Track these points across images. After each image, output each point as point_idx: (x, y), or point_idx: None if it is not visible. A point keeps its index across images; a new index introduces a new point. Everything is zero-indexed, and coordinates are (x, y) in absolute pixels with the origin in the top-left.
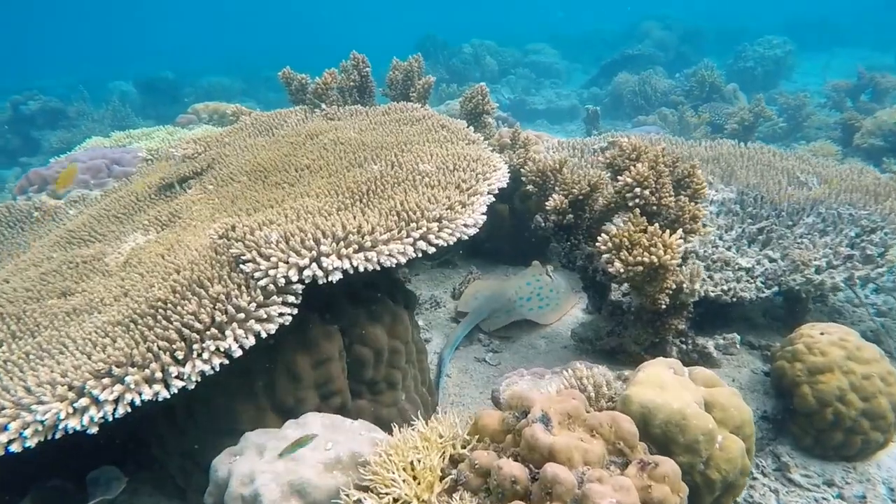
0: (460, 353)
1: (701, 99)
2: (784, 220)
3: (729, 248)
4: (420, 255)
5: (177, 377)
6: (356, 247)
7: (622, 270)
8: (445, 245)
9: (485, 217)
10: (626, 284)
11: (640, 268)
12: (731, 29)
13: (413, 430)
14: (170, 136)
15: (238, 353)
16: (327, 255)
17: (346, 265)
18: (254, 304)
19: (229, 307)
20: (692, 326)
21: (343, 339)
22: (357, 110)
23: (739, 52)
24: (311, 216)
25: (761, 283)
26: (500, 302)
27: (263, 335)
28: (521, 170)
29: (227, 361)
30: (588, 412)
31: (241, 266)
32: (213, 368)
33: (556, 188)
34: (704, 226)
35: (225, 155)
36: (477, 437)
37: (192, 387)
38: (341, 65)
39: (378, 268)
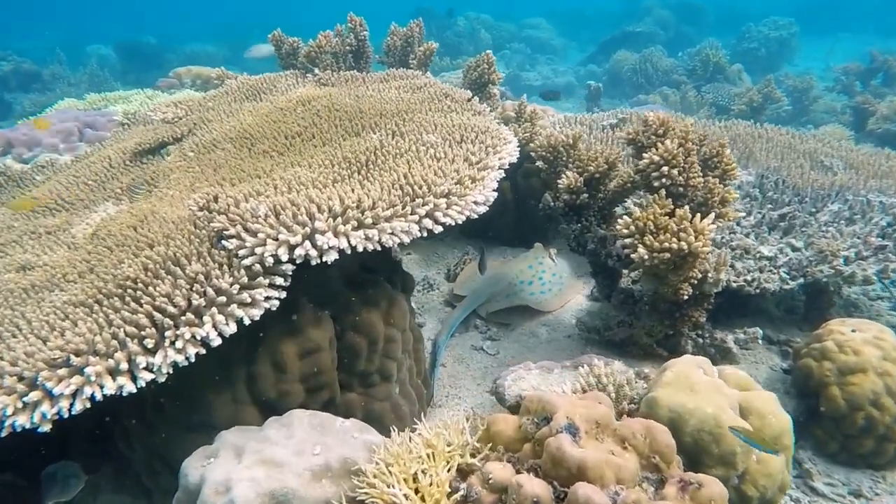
0: (456, 340)
1: (704, 79)
2: (807, 206)
3: (748, 235)
4: (425, 234)
5: (145, 368)
6: (355, 223)
7: (646, 257)
8: (454, 224)
9: (496, 194)
10: (635, 272)
11: (667, 255)
12: (733, 10)
13: (416, 433)
14: (149, 99)
15: (217, 341)
16: (322, 233)
17: (344, 244)
18: (237, 286)
19: (209, 289)
20: (707, 319)
21: (335, 325)
22: (353, 76)
23: (743, 33)
24: (304, 188)
25: (785, 273)
26: (500, 285)
27: (247, 321)
28: (529, 144)
29: (203, 351)
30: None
31: (224, 243)
32: (187, 359)
33: (570, 165)
34: (734, 210)
35: (208, 120)
36: (489, 445)
37: (163, 379)
38: (336, 28)
39: (378, 248)
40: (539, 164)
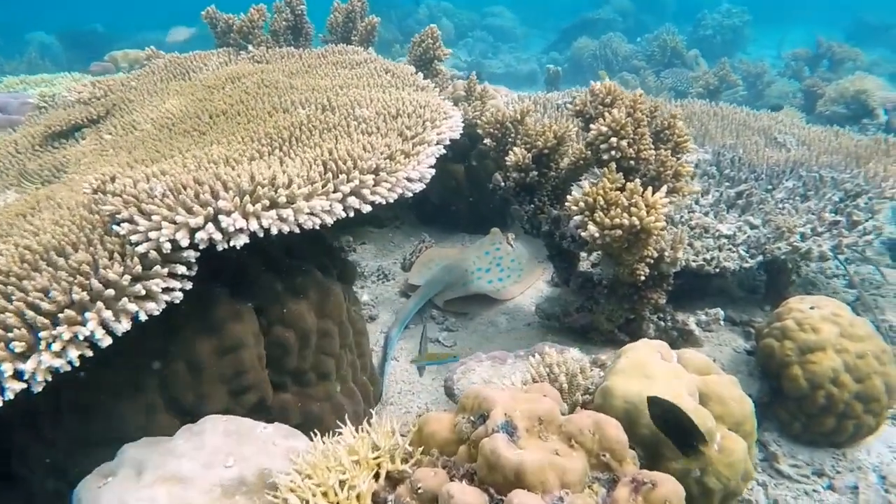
0: (411, 332)
1: (662, 64)
2: (763, 183)
3: (706, 214)
4: (351, 213)
5: (12, 377)
6: (267, 203)
7: (597, 235)
8: (384, 202)
9: (433, 171)
10: (597, 253)
11: (619, 232)
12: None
13: (341, 438)
14: (75, 83)
15: (106, 341)
16: (228, 213)
17: (254, 226)
18: (128, 277)
19: (94, 281)
20: (667, 301)
21: (259, 319)
22: (289, 52)
23: (699, 20)
24: (213, 166)
25: (744, 251)
26: (456, 274)
27: (143, 317)
28: (478, 121)
29: (90, 353)
30: (564, 415)
31: (116, 227)
32: (69, 363)
33: (518, 141)
34: (688, 184)
35: (129, 100)
36: (422, 448)
37: (40, 389)
38: (274, 5)
39: (297, 230)
40: (487, 141)
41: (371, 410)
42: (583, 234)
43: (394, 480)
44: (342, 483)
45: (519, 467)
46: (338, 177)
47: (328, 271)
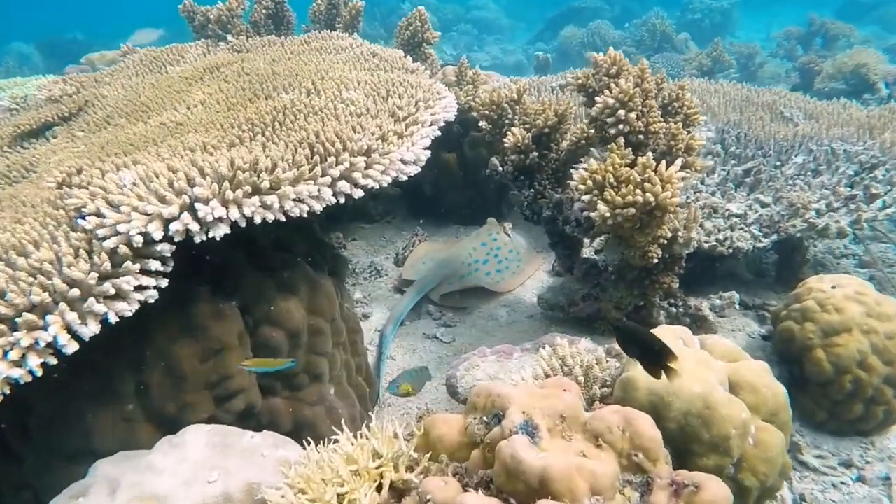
0: (406, 329)
1: (652, 49)
2: (772, 159)
3: (713, 194)
4: (342, 199)
5: None
6: (248, 189)
7: (607, 215)
8: (377, 187)
9: (428, 153)
10: (600, 238)
11: (632, 210)
12: None
13: (337, 446)
14: (46, 81)
15: (72, 347)
16: (205, 201)
17: (235, 214)
18: (95, 276)
19: (56, 281)
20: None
21: (245, 318)
22: (270, 41)
23: (686, 4)
24: (189, 153)
25: (756, 230)
26: (452, 267)
27: (113, 318)
28: (471, 104)
29: (54, 361)
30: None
31: (81, 221)
32: (31, 372)
33: (516, 122)
34: (713, 157)
35: (102, 96)
36: (429, 454)
37: None
38: None
39: (282, 218)
40: (483, 124)
41: (369, 413)
42: (592, 214)
43: (399, 492)
44: (340, 497)
45: (543, 473)
46: (326, 160)
47: (318, 265)
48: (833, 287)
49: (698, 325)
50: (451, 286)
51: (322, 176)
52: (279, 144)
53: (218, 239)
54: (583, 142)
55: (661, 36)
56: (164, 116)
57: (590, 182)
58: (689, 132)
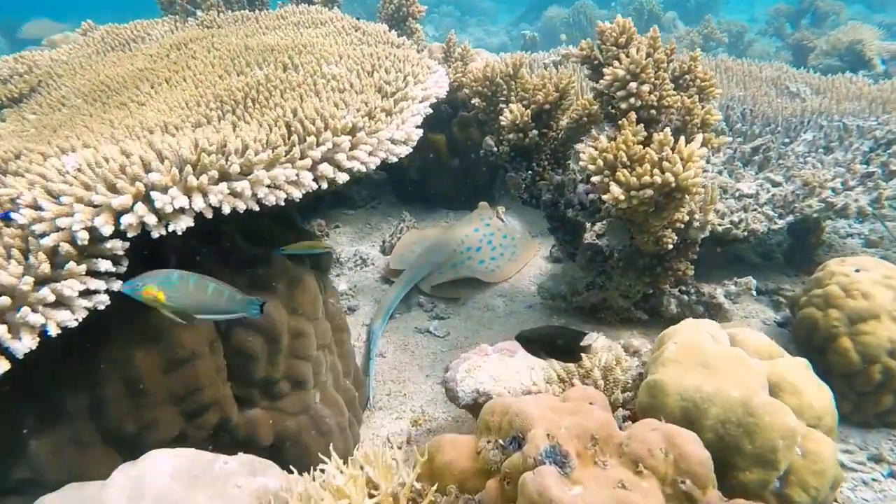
0: (396, 322)
1: (639, 29)
2: (780, 136)
3: (720, 173)
4: (324, 185)
5: None
6: (215, 174)
7: (622, 198)
8: (363, 170)
9: (420, 132)
10: (601, 224)
11: (649, 192)
12: None
13: (327, 474)
14: None
15: (2, 366)
16: (164, 189)
17: (199, 204)
18: (30, 280)
19: None
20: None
21: (217, 322)
22: (244, 15)
23: None
24: (148, 134)
25: (771, 211)
26: (443, 255)
27: (54, 331)
28: (462, 80)
29: None
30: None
31: (14, 215)
32: None
33: (513, 98)
34: (718, 135)
35: (57, 76)
36: (435, 485)
37: None
38: None
39: (255, 207)
40: (475, 101)
41: (359, 419)
42: (604, 197)
43: None
44: None
45: None
46: (305, 140)
47: (299, 258)
48: (857, 270)
49: (713, 313)
50: (442, 276)
51: (301, 158)
52: (251, 124)
53: (180, 233)
54: (585, 119)
55: (648, 15)
56: (124, 96)
57: (600, 162)
58: (703, 107)
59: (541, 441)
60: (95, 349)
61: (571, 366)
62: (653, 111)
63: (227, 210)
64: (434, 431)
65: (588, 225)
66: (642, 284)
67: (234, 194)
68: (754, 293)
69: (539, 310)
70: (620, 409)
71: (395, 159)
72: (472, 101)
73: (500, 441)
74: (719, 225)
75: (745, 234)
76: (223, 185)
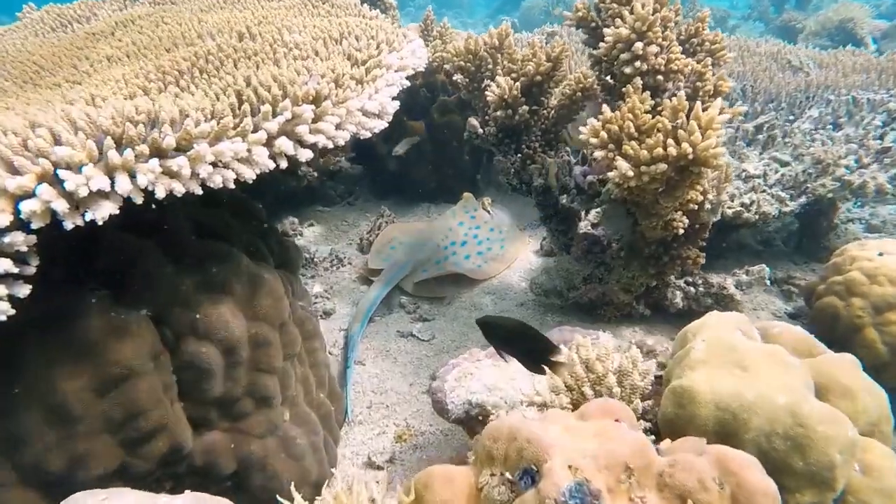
0: (376, 326)
1: None
2: (784, 113)
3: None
4: (283, 163)
5: None
6: (144, 149)
7: (630, 174)
8: (329, 146)
9: (396, 105)
10: (596, 210)
11: (662, 167)
12: None
13: None
14: None
15: None
16: (76, 167)
17: (124, 186)
18: None
19: None
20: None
21: (162, 331)
22: None
23: None
24: (68, 106)
25: (782, 192)
26: (426, 251)
27: None
28: (443, 55)
29: None
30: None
31: None
32: None
33: (499, 71)
34: (732, 105)
35: None
36: None
37: None
38: None
39: (197, 189)
40: (457, 78)
41: (336, 437)
42: (610, 175)
43: None
44: None
45: None
46: (259, 110)
47: (261, 255)
48: (880, 254)
49: (723, 305)
50: (425, 273)
51: (254, 131)
52: (196, 94)
53: (100, 222)
54: (579, 94)
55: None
56: (58, 76)
57: (604, 134)
58: (714, 72)
59: (562, 476)
60: (6, 371)
61: (579, 370)
62: (659, 77)
63: (161, 193)
64: (421, 448)
65: (583, 213)
66: (647, 276)
67: (170, 174)
68: (768, 282)
69: (532, 307)
70: (641, 420)
71: (367, 134)
72: (454, 78)
73: (508, 475)
74: (728, 207)
75: (757, 216)
76: (154, 163)
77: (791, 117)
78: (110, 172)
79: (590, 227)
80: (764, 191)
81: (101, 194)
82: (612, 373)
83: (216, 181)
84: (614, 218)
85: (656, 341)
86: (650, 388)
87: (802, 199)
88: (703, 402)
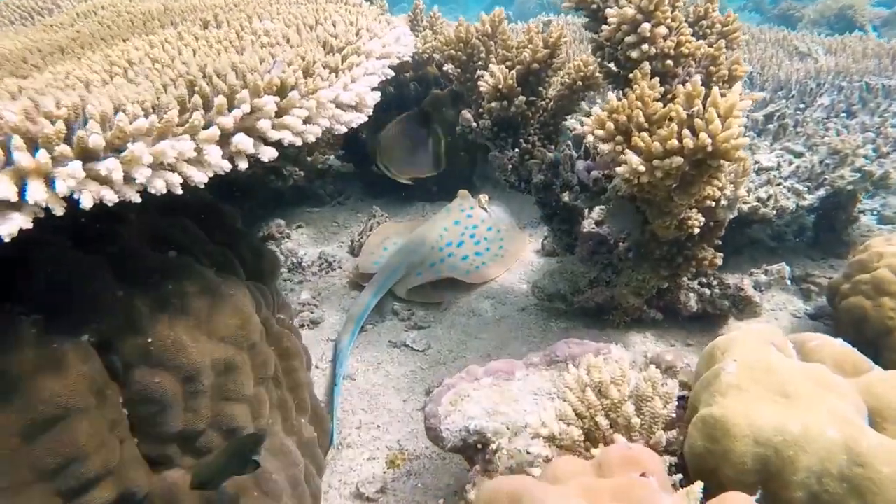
0: (367, 336)
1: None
2: (794, 101)
3: None
4: (243, 164)
5: None
6: (65, 150)
7: (641, 170)
8: (297, 143)
9: (377, 96)
10: (600, 208)
11: (678, 160)
12: None
13: None
14: None
15: None
16: None
17: (37, 196)
18: None
19: None
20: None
21: (108, 359)
22: None
23: None
24: None
25: (798, 185)
26: (420, 253)
27: None
28: (433, 44)
29: None
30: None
31: None
32: None
33: (493, 60)
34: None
35: None
36: None
37: None
38: None
39: (134, 197)
40: (448, 68)
41: (321, 466)
42: (619, 170)
43: None
44: None
45: None
46: (213, 101)
47: (229, 266)
48: None
49: (740, 308)
50: (420, 277)
51: (205, 127)
52: (140, 85)
53: (7, 239)
54: (579, 83)
55: None
56: (5, 69)
57: (610, 125)
58: (727, 57)
59: None
60: None
61: (591, 396)
62: (669, 62)
63: (87, 203)
64: (416, 474)
65: (586, 211)
66: (659, 278)
67: (99, 179)
68: (788, 282)
69: (534, 313)
70: (665, 455)
71: (342, 129)
72: (445, 68)
73: None
74: (744, 202)
75: (774, 212)
76: (75, 167)
77: (802, 105)
78: (19, 178)
79: (594, 226)
80: (779, 184)
81: (7, 205)
82: (630, 399)
83: (158, 186)
84: (619, 215)
85: (675, 356)
86: (672, 414)
87: (821, 192)
88: (740, 435)
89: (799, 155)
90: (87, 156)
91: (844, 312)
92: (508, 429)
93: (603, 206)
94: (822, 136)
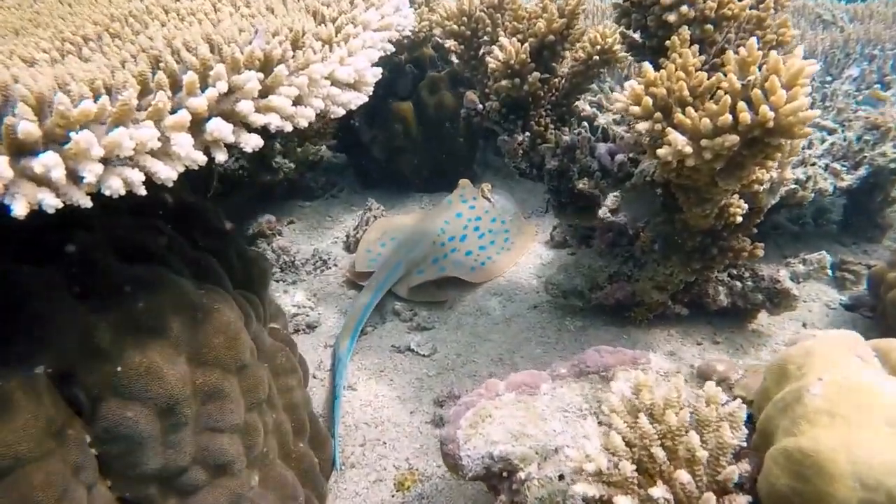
0: (368, 340)
1: None
2: (821, 73)
3: None
4: (221, 157)
5: None
6: None
7: (688, 151)
8: (287, 128)
9: (378, 73)
10: (614, 195)
11: (733, 138)
12: None
13: None
14: None
15: None
16: None
17: None
18: None
19: None
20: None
21: (70, 392)
22: None
23: None
24: None
25: (838, 165)
26: (421, 249)
27: None
28: (431, 20)
29: None
30: None
31: None
32: None
33: (502, 33)
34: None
35: None
36: None
37: None
38: None
39: (84, 201)
40: (450, 44)
41: (320, 495)
42: (660, 152)
43: None
44: None
45: None
46: (181, 81)
47: (213, 276)
48: None
49: (775, 302)
50: (422, 275)
51: (173, 112)
52: (94, 62)
53: None
54: (596, 58)
55: None
56: None
57: (648, 101)
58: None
59: None
60: None
61: (644, 424)
62: (708, 26)
63: (20, 211)
64: (428, 498)
65: (601, 199)
66: (689, 272)
67: (34, 179)
68: (830, 272)
69: (547, 311)
70: (736, 496)
71: (340, 111)
72: (447, 44)
73: None
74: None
75: (813, 195)
76: (3, 163)
77: (829, 78)
78: None
79: (608, 214)
80: (813, 163)
81: None
82: (691, 427)
83: (113, 186)
84: (635, 203)
85: (728, 366)
86: (741, 443)
87: (861, 172)
88: (839, 474)
89: (832, 132)
90: (18, 150)
91: (892, 304)
92: (537, 453)
93: (615, 193)
94: (854, 111)
